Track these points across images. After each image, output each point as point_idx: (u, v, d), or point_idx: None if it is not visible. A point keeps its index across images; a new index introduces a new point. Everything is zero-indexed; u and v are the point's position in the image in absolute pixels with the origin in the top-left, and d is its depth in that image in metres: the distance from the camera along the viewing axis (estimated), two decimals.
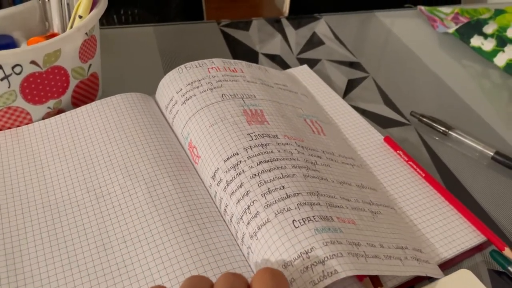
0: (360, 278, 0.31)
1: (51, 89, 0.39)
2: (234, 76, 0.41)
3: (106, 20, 0.96)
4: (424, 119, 0.46)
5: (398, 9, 0.69)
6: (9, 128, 0.39)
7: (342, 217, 0.31)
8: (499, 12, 0.63)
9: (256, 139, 0.35)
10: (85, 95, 0.43)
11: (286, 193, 0.31)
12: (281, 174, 0.32)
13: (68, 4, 0.40)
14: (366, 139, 0.43)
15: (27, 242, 0.31)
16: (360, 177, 0.37)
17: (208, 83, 0.40)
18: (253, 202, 0.31)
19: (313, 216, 0.29)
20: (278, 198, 0.31)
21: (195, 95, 0.39)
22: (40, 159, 0.37)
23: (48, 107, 0.40)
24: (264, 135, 0.35)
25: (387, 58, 0.58)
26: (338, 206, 0.32)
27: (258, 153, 0.33)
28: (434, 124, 0.45)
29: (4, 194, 0.34)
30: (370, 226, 0.32)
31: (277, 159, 0.33)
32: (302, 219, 0.29)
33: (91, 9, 0.39)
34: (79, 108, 0.41)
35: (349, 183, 0.35)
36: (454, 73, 0.56)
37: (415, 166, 0.39)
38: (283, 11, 0.82)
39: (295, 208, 0.30)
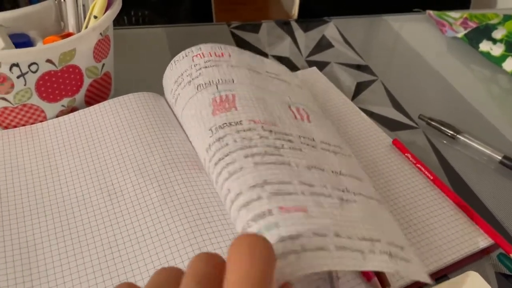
0: (367, 278, 0.31)
1: (66, 88, 0.40)
2: (217, 61, 0.39)
3: (116, 20, 0.97)
4: (433, 123, 0.46)
5: (407, 14, 0.69)
6: (23, 125, 0.40)
7: (289, 205, 0.28)
8: (508, 18, 0.63)
9: (216, 132, 0.33)
10: (98, 94, 0.44)
11: (230, 199, 0.30)
12: (228, 173, 0.31)
13: (83, 5, 0.40)
14: (374, 142, 0.43)
15: (41, 237, 0.32)
16: (343, 165, 0.35)
17: (188, 75, 0.38)
18: (224, 218, 0.32)
19: (247, 221, 0.28)
20: (227, 208, 0.30)
21: (179, 94, 0.39)
22: (54, 156, 0.38)
23: (62, 105, 0.41)
24: (225, 124, 0.34)
25: (396, 62, 0.58)
26: (289, 193, 0.29)
27: (215, 150, 0.32)
28: (442, 128, 0.46)
29: (19, 190, 0.35)
30: (330, 214, 0.28)
31: (229, 153, 0.32)
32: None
33: (106, 10, 0.40)
34: (92, 106, 0.41)
35: (322, 168, 0.32)
36: (463, 77, 0.56)
37: (423, 169, 0.40)
38: (291, 14, 0.83)
39: (233, 215, 0.29)
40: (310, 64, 0.56)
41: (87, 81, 0.41)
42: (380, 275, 0.31)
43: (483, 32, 0.61)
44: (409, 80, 0.55)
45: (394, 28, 0.65)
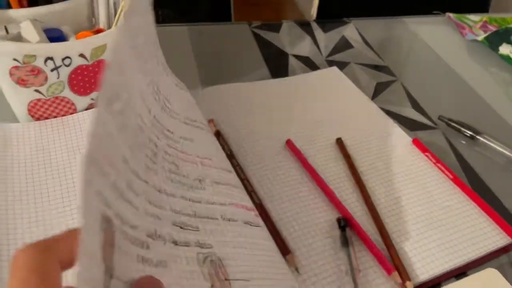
0: (388, 271, 0.32)
1: (96, 82, 0.41)
2: None
3: None
4: (452, 123, 0.47)
5: (426, 16, 0.70)
6: (55, 117, 0.41)
7: None
8: None
9: None
10: None
11: None
12: None
13: (114, 3, 0.42)
14: (394, 141, 0.44)
15: (73, 223, 0.33)
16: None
17: None
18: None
19: None
20: None
21: None
22: (84, 147, 0.39)
23: (92, 99, 0.42)
24: None
25: (415, 63, 0.59)
26: None
27: None
28: (462, 129, 0.46)
29: (51, 178, 0.36)
30: None
31: None
32: None
33: None
34: None
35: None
36: (482, 80, 0.57)
37: (443, 168, 0.40)
38: (310, 15, 0.84)
39: None
40: (330, 63, 0.57)
41: None
42: (399, 269, 0.32)
43: (503, 35, 0.61)
44: (429, 81, 0.55)
45: (414, 29, 0.66)
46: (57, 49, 0.37)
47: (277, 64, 0.55)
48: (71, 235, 0.20)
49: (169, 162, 0.33)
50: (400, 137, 0.44)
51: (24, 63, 0.37)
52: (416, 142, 0.43)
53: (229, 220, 0.32)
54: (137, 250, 0.24)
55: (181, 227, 0.29)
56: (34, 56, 0.37)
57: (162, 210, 0.29)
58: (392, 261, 0.33)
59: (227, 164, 0.38)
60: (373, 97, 0.52)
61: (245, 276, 0.29)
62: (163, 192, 0.30)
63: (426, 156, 0.42)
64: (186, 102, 0.42)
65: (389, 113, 0.49)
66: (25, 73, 0.38)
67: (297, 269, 0.32)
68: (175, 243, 0.27)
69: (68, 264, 0.19)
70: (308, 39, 0.61)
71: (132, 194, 0.25)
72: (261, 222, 0.34)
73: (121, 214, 0.23)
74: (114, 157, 0.24)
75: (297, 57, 0.57)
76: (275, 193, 0.37)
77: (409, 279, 0.31)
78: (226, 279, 0.28)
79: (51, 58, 0.37)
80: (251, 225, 0.33)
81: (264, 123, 0.44)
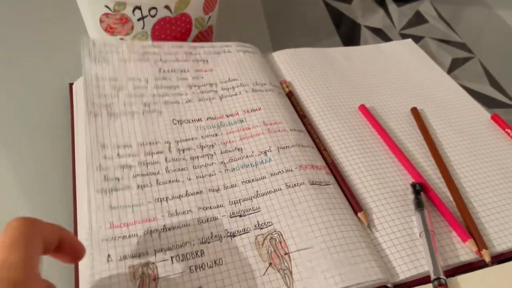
0: (463, 239, 0.31)
1: (176, 35, 0.42)
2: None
3: None
4: None
5: None
6: None
7: None
8: None
9: None
10: None
11: None
12: None
13: None
14: (471, 115, 0.42)
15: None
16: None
17: None
18: None
19: None
20: None
21: None
22: None
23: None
24: None
25: (494, 42, 0.56)
26: None
27: None
28: None
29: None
30: None
31: None
32: None
33: None
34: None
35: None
36: None
37: None
38: None
39: None
40: (404, 37, 0.55)
41: (194, 32, 0.44)
42: (475, 237, 0.31)
43: None
44: (509, 60, 0.53)
45: (493, 9, 0.63)
46: None
47: (349, 34, 0.55)
48: (57, 228, 0.23)
49: (230, 151, 0.34)
50: (477, 112, 0.43)
51: (114, 10, 0.39)
52: (496, 117, 0.41)
53: (294, 186, 0.32)
54: (188, 263, 0.27)
55: (240, 216, 0.30)
56: (124, 4, 0.38)
57: (219, 208, 0.30)
58: (468, 229, 0.32)
59: (298, 124, 0.39)
60: (448, 72, 0.50)
61: (308, 244, 0.29)
62: (221, 189, 0.31)
63: (507, 132, 0.40)
64: (255, 66, 0.43)
65: (465, 88, 0.47)
66: (114, 21, 0.39)
67: (369, 226, 0.32)
68: (233, 235, 0.28)
69: (46, 249, 0.22)
70: (381, 12, 0.60)
71: (176, 219, 0.29)
72: (332, 180, 0.34)
73: (162, 247, 0.28)
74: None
75: (369, 28, 0.56)
76: (347, 154, 0.37)
77: (486, 248, 0.30)
78: (285, 254, 0.28)
79: (139, 8, 0.39)
80: (320, 184, 0.33)
81: (337, 88, 0.44)
